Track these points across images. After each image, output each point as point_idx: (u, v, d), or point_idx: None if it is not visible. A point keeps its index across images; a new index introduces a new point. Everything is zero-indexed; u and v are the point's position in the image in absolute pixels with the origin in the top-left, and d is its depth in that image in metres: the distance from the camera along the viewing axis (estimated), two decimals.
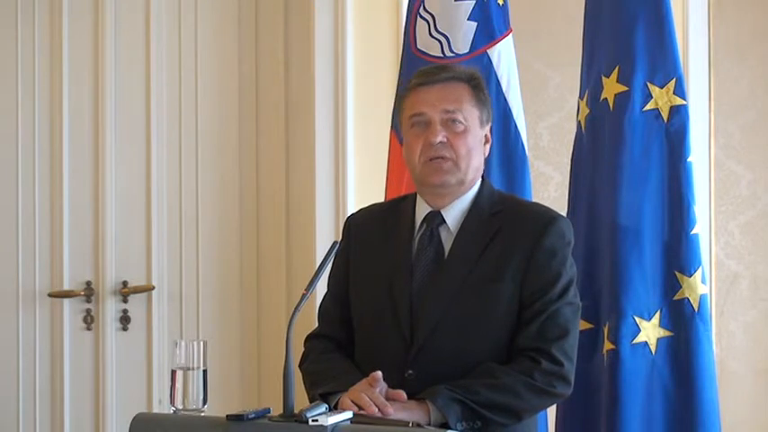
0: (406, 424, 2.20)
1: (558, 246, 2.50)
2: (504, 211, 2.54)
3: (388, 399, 2.34)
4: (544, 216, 2.53)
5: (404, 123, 2.58)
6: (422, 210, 2.57)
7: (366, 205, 2.79)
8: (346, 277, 2.62)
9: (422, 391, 2.38)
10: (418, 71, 2.64)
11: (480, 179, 2.60)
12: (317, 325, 2.71)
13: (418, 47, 3.29)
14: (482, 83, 2.59)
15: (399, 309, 2.49)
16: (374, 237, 2.61)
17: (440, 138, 2.48)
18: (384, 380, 2.39)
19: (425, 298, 2.48)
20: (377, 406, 2.30)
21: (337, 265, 2.61)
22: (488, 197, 2.57)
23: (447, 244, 2.52)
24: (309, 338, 2.67)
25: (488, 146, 2.60)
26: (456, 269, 2.48)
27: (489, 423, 2.37)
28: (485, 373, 2.40)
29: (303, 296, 2.23)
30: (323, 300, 2.70)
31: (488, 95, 2.61)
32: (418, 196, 2.60)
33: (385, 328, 2.50)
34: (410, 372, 2.45)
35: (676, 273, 2.98)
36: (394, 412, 2.29)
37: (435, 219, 2.55)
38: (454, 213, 2.54)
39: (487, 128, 2.59)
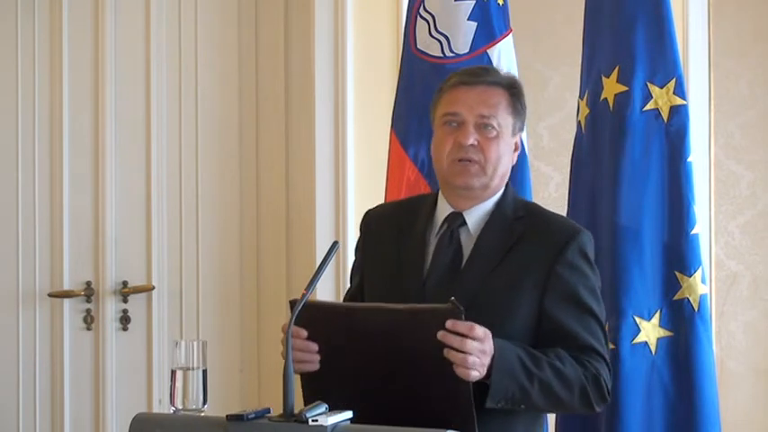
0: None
1: (580, 259, 2.48)
2: (526, 217, 2.52)
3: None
4: (569, 228, 2.52)
5: (437, 119, 2.56)
6: (443, 209, 2.55)
7: (380, 203, 2.80)
8: (362, 273, 2.62)
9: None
10: (461, 70, 2.62)
11: (504, 185, 2.57)
12: None
13: (418, 47, 3.29)
14: (521, 92, 2.57)
15: None
16: (390, 233, 2.59)
17: (471, 140, 2.46)
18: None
19: (440, 302, 2.44)
20: None
21: (356, 260, 2.63)
22: (511, 203, 2.55)
23: (467, 247, 2.50)
24: None
25: (517, 153, 2.58)
26: (474, 274, 2.46)
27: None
28: (567, 367, 2.36)
29: (303, 296, 2.22)
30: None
31: (525, 105, 2.59)
32: (440, 195, 2.59)
33: None
34: None
35: (676, 273, 2.98)
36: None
37: (456, 220, 2.53)
38: (476, 216, 2.52)
39: (519, 136, 2.58)
